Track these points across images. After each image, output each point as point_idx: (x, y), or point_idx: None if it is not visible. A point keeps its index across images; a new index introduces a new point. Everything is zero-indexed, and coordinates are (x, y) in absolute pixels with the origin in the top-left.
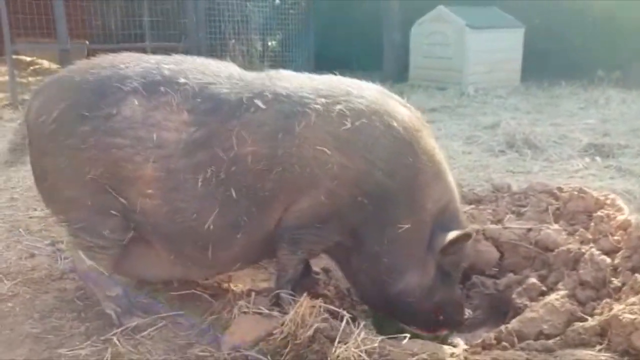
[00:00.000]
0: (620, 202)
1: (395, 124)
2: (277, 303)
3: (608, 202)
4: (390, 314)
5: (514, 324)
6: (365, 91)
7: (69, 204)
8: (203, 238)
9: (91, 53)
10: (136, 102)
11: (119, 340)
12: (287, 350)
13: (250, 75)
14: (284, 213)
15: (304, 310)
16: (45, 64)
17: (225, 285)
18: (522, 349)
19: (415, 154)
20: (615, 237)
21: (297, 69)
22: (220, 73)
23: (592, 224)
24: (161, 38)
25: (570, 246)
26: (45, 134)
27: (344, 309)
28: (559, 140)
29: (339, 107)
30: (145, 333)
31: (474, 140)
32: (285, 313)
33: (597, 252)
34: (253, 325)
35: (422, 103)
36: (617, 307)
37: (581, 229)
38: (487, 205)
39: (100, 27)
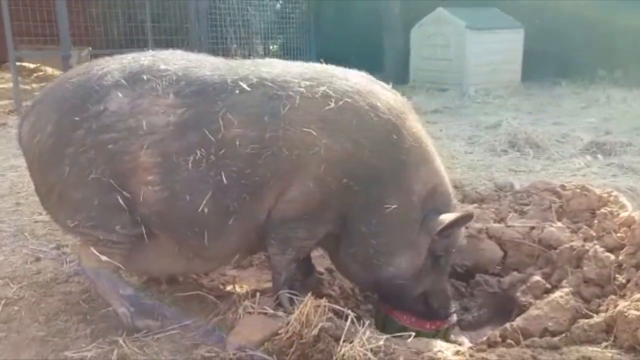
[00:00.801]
0: (623, 199)
1: (379, 104)
2: (280, 305)
3: (611, 199)
4: (382, 298)
5: (518, 321)
6: (349, 74)
7: (78, 207)
8: (199, 224)
9: (94, 59)
10: (120, 95)
11: (125, 342)
12: (292, 349)
13: (234, 62)
14: (274, 203)
15: (308, 309)
16: (49, 70)
17: (230, 286)
18: (527, 346)
19: (400, 133)
20: (619, 234)
21: None
22: (203, 60)
23: (596, 221)
24: (163, 43)
25: (573, 243)
26: (44, 150)
27: (348, 309)
28: (560, 139)
29: (322, 88)
30: (151, 335)
31: (475, 140)
32: (291, 313)
33: (601, 249)
34: (258, 325)
35: (424, 104)
36: (623, 304)
37: (584, 227)
38: (489, 204)
39: (103, 33)
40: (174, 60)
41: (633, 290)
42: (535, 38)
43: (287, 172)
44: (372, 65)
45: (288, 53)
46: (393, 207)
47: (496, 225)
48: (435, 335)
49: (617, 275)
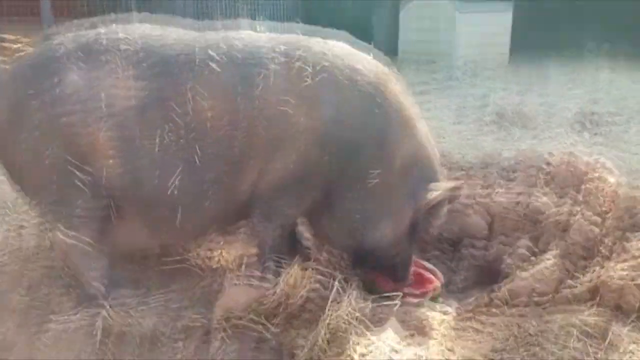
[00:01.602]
0: (610, 165)
1: (358, 77)
2: (267, 271)
3: (598, 166)
4: (358, 261)
5: (504, 288)
6: (326, 45)
7: (38, 184)
8: (171, 203)
9: None
10: (75, 69)
11: (108, 310)
12: (279, 315)
13: (202, 25)
14: (256, 181)
15: (295, 275)
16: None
17: (216, 255)
18: (513, 311)
19: (381, 106)
20: (604, 204)
21: None
22: (168, 27)
23: (583, 188)
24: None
25: (560, 210)
26: (2, 127)
27: (336, 273)
28: (548, 112)
29: (298, 64)
30: (135, 304)
31: (463, 114)
32: (275, 282)
33: (588, 215)
34: (244, 293)
35: (412, 78)
36: (608, 268)
37: (571, 193)
38: (476, 173)
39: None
40: (136, 29)
41: (618, 255)
42: (524, 13)
43: (267, 150)
44: (361, 38)
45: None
46: (377, 173)
47: (482, 194)
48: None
49: (603, 240)
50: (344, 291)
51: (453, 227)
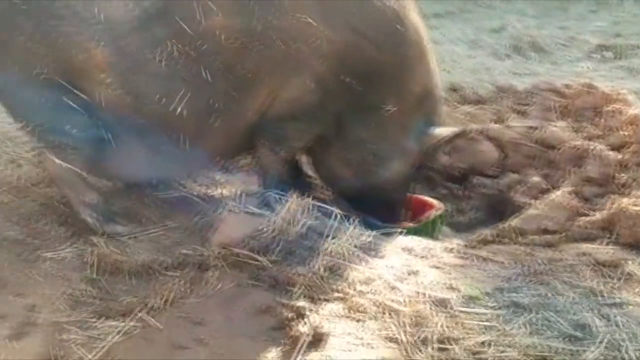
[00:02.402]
0: (630, 97)
1: None
2: (266, 204)
3: (618, 97)
4: (361, 205)
5: (514, 220)
6: None
7: (28, 108)
8: (175, 127)
9: None
10: None
11: (103, 243)
12: (276, 246)
13: None
14: (268, 101)
15: (293, 207)
16: None
17: (215, 190)
18: (523, 243)
19: (404, 25)
20: (624, 132)
21: None
22: None
23: (601, 119)
24: None
25: (575, 143)
26: None
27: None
28: (567, 43)
29: None
30: (131, 235)
31: (478, 44)
32: (276, 212)
33: (604, 148)
34: (242, 223)
35: (426, 8)
36: (624, 201)
37: (588, 125)
38: (489, 105)
39: None
40: None
41: (635, 187)
42: None
43: (282, 67)
44: None
45: None
46: (392, 109)
47: (495, 125)
48: (423, 229)
49: (620, 174)
50: (344, 225)
51: (463, 157)
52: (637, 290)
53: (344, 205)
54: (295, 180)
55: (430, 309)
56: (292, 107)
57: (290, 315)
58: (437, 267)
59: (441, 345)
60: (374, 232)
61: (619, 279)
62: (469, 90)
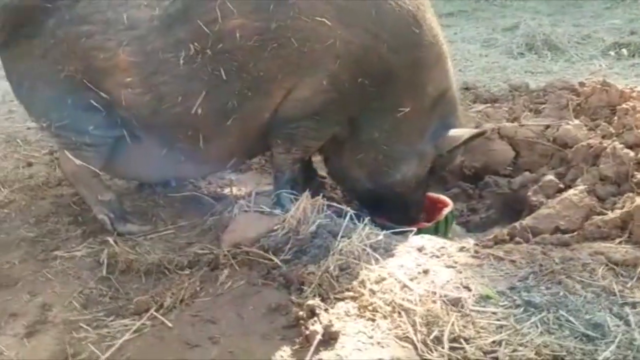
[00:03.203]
0: None
1: None
2: (278, 204)
3: (634, 94)
4: (374, 208)
5: (528, 220)
6: None
7: (49, 105)
8: (192, 126)
9: None
10: None
11: (115, 242)
12: (288, 246)
13: None
14: (282, 100)
15: (305, 206)
16: None
17: (227, 189)
18: (537, 243)
19: (420, 27)
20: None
21: None
22: None
23: (615, 117)
24: None
25: (590, 141)
26: (12, 37)
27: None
28: (581, 41)
29: None
30: (144, 235)
31: (491, 43)
32: (288, 212)
33: (620, 146)
34: (254, 222)
35: (438, 7)
36: (639, 200)
37: (603, 124)
38: (503, 104)
39: None
40: None
41: None
42: None
43: (297, 67)
44: None
45: None
46: (407, 110)
47: (509, 124)
48: (435, 229)
49: (636, 173)
50: (356, 224)
51: (477, 156)
52: None
53: (356, 205)
54: (308, 180)
55: (443, 308)
56: (306, 107)
57: (302, 313)
58: (450, 267)
59: (454, 345)
60: (386, 232)
61: (633, 278)
62: (482, 89)
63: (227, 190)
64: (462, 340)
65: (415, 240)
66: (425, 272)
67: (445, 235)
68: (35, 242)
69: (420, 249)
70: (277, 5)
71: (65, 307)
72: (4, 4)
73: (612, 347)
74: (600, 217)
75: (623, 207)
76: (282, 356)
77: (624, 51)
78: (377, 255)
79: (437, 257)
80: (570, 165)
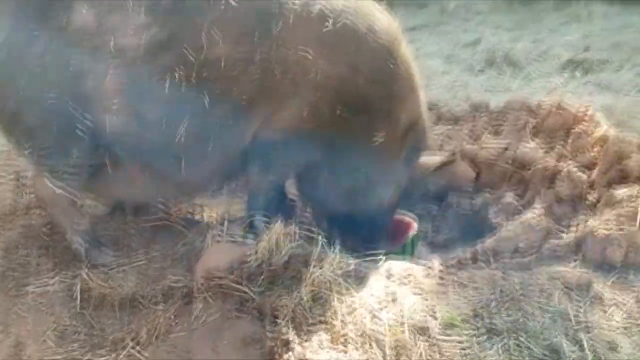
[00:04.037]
0: (598, 116)
1: (377, 26)
2: (250, 230)
3: (586, 117)
4: (345, 231)
5: (489, 242)
6: None
7: (33, 131)
8: (174, 151)
9: None
10: (85, 8)
11: (88, 275)
12: (261, 276)
13: None
14: (261, 126)
15: (278, 234)
16: None
17: (198, 215)
18: (498, 267)
19: (395, 61)
20: (593, 153)
21: None
22: None
23: (570, 139)
24: None
25: (547, 163)
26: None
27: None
28: (539, 57)
29: (318, 7)
30: (116, 266)
31: (453, 59)
32: (260, 240)
33: (574, 168)
34: (226, 252)
35: (402, 21)
36: (593, 223)
37: (558, 145)
38: (464, 125)
39: None
40: None
41: (603, 209)
42: None
43: (278, 95)
44: None
45: None
46: (381, 137)
47: (470, 146)
48: (400, 253)
49: (589, 194)
50: (327, 249)
51: (440, 176)
52: (604, 312)
53: (326, 227)
54: (279, 202)
55: (411, 337)
56: (284, 133)
57: (276, 346)
58: (417, 294)
59: None
60: (356, 259)
61: (587, 302)
62: (444, 108)
63: (197, 216)
64: None
65: (384, 265)
66: (394, 300)
67: (411, 255)
68: (5, 276)
69: (388, 276)
70: (262, 36)
71: (39, 345)
72: None
73: None
74: (556, 240)
75: (577, 229)
76: None
77: (579, 69)
78: (348, 285)
79: (405, 284)
80: (529, 186)
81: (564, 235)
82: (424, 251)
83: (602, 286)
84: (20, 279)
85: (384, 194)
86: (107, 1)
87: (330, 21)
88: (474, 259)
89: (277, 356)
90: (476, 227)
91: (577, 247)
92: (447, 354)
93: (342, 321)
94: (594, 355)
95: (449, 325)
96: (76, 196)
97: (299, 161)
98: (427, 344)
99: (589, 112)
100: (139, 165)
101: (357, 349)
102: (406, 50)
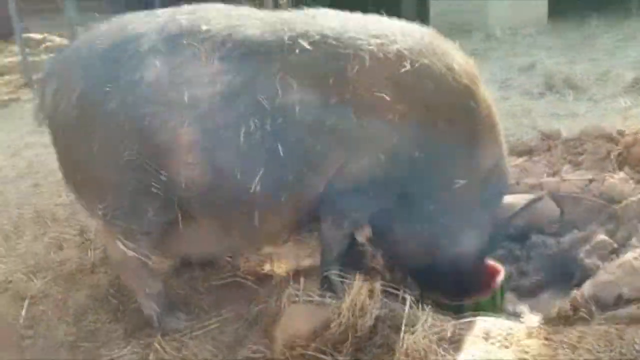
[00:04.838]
0: None
1: (455, 66)
2: (327, 287)
3: None
4: (427, 282)
5: (587, 288)
6: (417, 31)
7: (106, 191)
8: (248, 203)
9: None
10: (158, 62)
11: (160, 344)
12: (347, 344)
13: (285, 15)
14: (335, 174)
15: (360, 293)
16: (57, 40)
17: (267, 267)
18: (606, 320)
19: (477, 100)
20: None
21: None
22: (249, 15)
23: None
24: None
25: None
26: (69, 123)
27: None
28: (600, 78)
29: (395, 47)
30: (188, 332)
31: (509, 84)
32: (339, 298)
33: None
34: (306, 316)
35: None
36: None
37: None
38: (540, 156)
39: None
40: (216, 18)
41: None
42: None
43: (354, 141)
44: (390, 8)
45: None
46: (462, 183)
47: (550, 179)
48: (490, 303)
49: None
50: (417, 310)
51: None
52: None
53: (404, 278)
54: (349, 247)
55: None
56: (360, 180)
57: None
58: (523, 359)
59: None
60: (449, 319)
61: None
62: (513, 139)
63: (266, 267)
64: None
65: (480, 324)
66: None
67: (501, 304)
68: (75, 346)
69: (486, 337)
70: (337, 80)
71: None
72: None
73: None
74: None
75: None
76: None
77: None
78: (444, 352)
79: (506, 346)
80: (621, 222)
81: None
82: (512, 299)
83: None
84: (90, 349)
85: (469, 240)
86: (180, 54)
87: (409, 61)
88: (574, 310)
89: None
90: (565, 269)
91: None
92: None
93: None
94: None
95: None
96: (148, 257)
97: (375, 210)
98: None
99: None
100: (212, 218)
101: None
102: (484, 89)
